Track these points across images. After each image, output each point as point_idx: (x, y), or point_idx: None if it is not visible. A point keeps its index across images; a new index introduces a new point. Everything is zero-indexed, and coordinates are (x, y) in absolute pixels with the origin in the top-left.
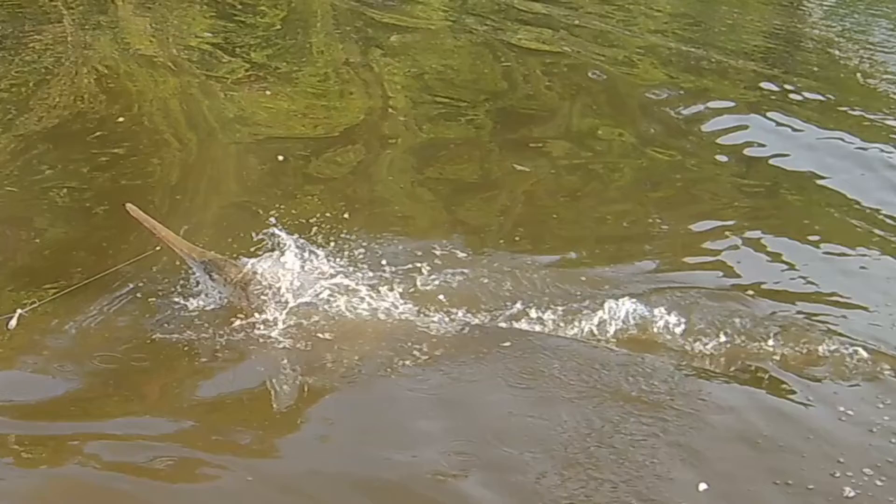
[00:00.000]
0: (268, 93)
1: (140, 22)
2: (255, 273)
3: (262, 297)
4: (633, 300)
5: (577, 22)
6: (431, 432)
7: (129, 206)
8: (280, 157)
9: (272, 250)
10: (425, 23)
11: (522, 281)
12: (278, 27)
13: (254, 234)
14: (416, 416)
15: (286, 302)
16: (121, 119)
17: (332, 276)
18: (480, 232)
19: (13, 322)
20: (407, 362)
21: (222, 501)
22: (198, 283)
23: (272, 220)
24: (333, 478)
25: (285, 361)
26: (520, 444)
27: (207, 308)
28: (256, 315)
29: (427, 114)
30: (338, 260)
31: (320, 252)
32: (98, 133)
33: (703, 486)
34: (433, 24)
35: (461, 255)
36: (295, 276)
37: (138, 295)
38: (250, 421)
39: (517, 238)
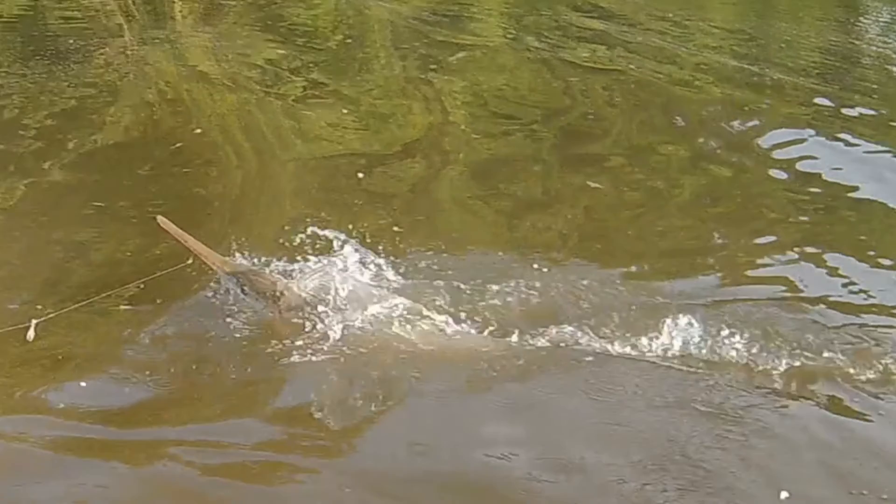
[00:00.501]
0: (327, 109)
1: (198, 38)
2: (287, 289)
3: (298, 312)
4: (701, 313)
5: (634, 39)
6: (512, 439)
7: (159, 218)
8: (360, 175)
9: (328, 264)
10: (484, 41)
11: (589, 295)
12: (337, 47)
13: (312, 248)
14: (495, 423)
15: (353, 314)
16: (182, 136)
17: (398, 290)
18: (544, 247)
19: (31, 333)
20: (479, 374)
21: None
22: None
23: (333, 234)
24: (424, 480)
25: (358, 372)
26: (598, 452)
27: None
28: (321, 327)
29: (487, 130)
30: (401, 274)
31: (385, 267)
32: (160, 148)
33: (784, 495)
34: (491, 41)
35: (525, 269)
36: (357, 289)
37: (208, 302)
38: (334, 427)
39: (581, 253)
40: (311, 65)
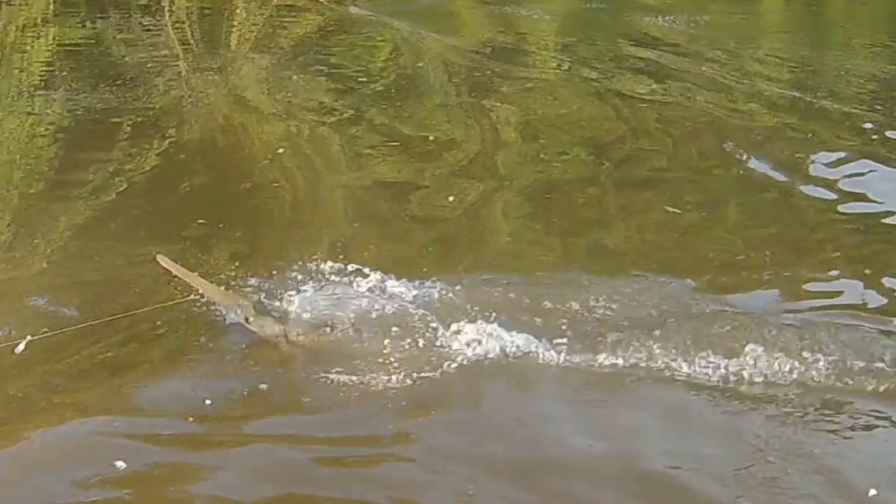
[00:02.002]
0: (378, 136)
1: (251, 68)
2: (288, 333)
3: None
4: (763, 328)
5: (687, 68)
6: (591, 456)
7: (158, 257)
8: (451, 198)
9: (371, 289)
10: (538, 72)
11: (650, 311)
12: (392, 78)
13: (358, 271)
14: (570, 443)
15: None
16: (234, 161)
17: (454, 311)
18: (600, 266)
19: (21, 346)
20: (544, 393)
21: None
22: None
23: (381, 257)
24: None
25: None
26: (687, 460)
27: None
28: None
29: (540, 156)
30: (456, 295)
31: (441, 289)
32: (213, 173)
33: (872, 492)
34: (546, 73)
35: (582, 288)
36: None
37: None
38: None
39: (638, 271)
40: (364, 93)
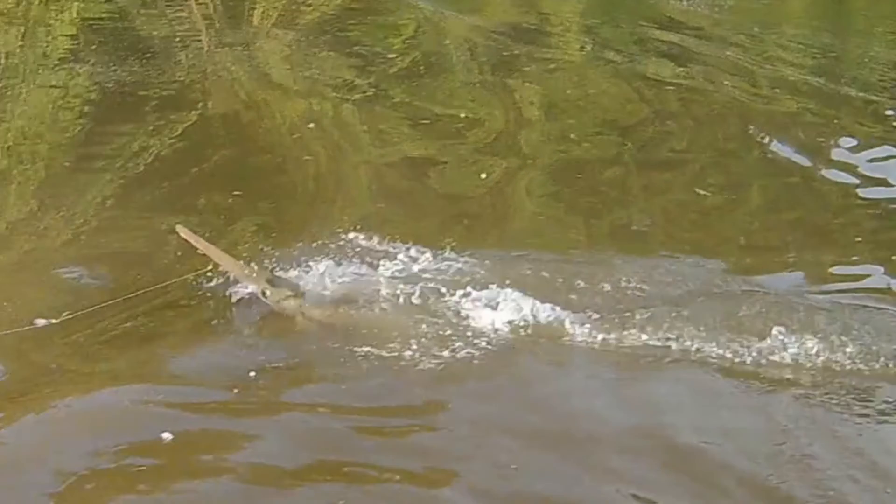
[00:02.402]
0: (401, 113)
1: (274, 44)
2: (303, 307)
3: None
4: (789, 308)
5: (711, 53)
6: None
7: (178, 227)
8: (483, 175)
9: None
10: (562, 53)
11: (676, 290)
12: (415, 56)
13: (382, 246)
14: (605, 423)
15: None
16: (257, 137)
17: (493, 290)
18: (625, 245)
19: (41, 321)
20: (574, 370)
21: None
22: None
23: (405, 232)
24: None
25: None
26: (718, 436)
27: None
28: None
29: (564, 135)
30: (483, 271)
31: (467, 264)
32: (238, 147)
33: None
34: (570, 54)
35: (607, 267)
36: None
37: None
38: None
39: (663, 250)
40: (387, 72)
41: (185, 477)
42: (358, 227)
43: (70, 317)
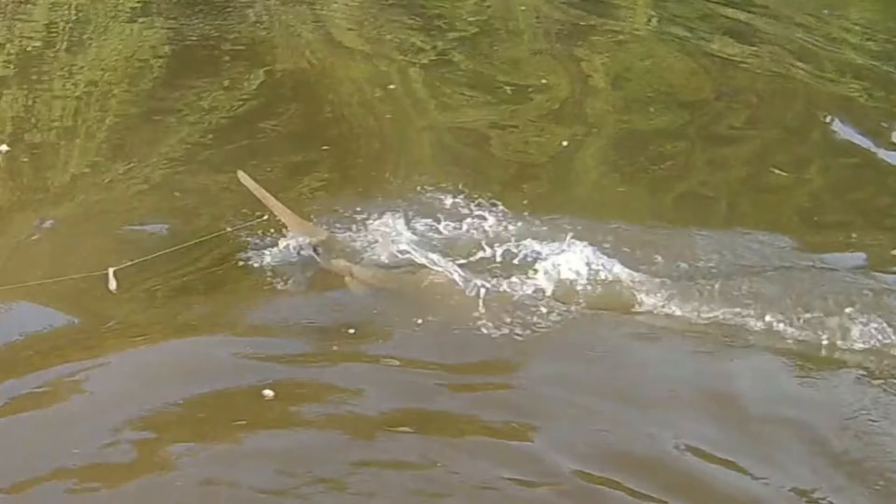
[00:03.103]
0: (466, 79)
1: (339, 4)
2: (353, 268)
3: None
4: (867, 290)
5: (777, 32)
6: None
7: (240, 173)
8: (565, 143)
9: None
10: (629, 27)
11: (746, 265)
12: (481, 24)
13: (451, 212)
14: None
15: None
16: (321, 98)
17: (560, 256)
18: (691, 218)
19: (112, 283)
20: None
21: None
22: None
23: (468, 198)
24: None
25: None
26: (790, 407)
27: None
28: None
29: (629, 106)
30: (552, 239)
31: (531, 231)
32: (303, 106)
33: None
34: (637, 28)
35: (674, 240)
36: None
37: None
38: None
39: (730, 225)
40: (454, 37)
41: (278, 426)
42: (420, 189)
43: (132, 264)
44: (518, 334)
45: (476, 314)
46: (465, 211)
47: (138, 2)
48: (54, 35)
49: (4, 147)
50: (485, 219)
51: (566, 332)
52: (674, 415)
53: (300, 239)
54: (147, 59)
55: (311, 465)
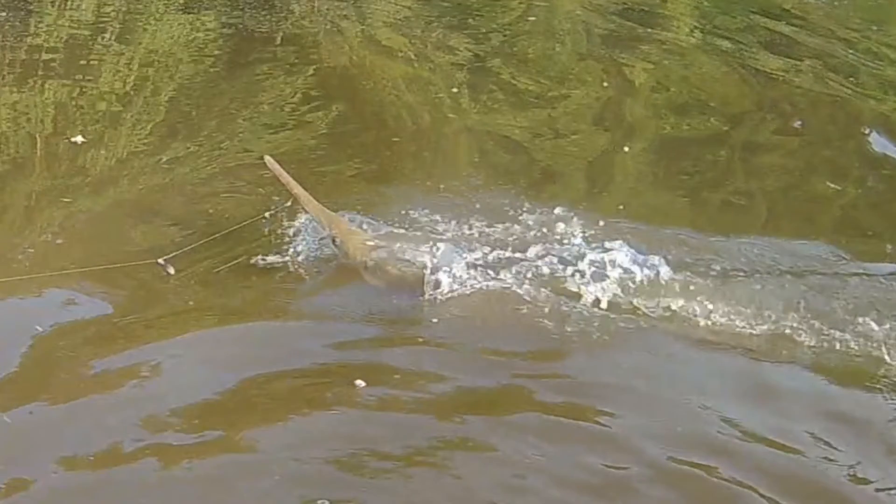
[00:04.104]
0: (505, 83)
1: (381, 3)
2: (367, 262)
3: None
4: None
5: (820, 47)
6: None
7: (266, 157)
8: (626, 148)
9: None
10: (673, 37)
11: (792, 273)
12: (522, 28)
13: (484, 213)
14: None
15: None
16: (359, 95)
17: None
18: (736, 225)
19: (171, 269)
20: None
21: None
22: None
23: (506, 201)
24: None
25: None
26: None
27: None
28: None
29: (670, 112)
30: (589, 242)
31: (574, 234)
32: (342, 104)
33: None
34: (680, 39)
35: (720, 247)
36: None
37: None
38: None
39: (775, 233)
40: (495, 41)
41: (356, 408)
42: (454, 189)
43: (178, 252)
44: (571, 330)
45: (532, 313)
46: (503, 212)
47: None
48: (104, 24)
49: (80, 138)
50: (524, 221)
51: (613, 329)
52: (734, 407)
53: (321, 226)
54: (196, 51)
55: (397, 445)
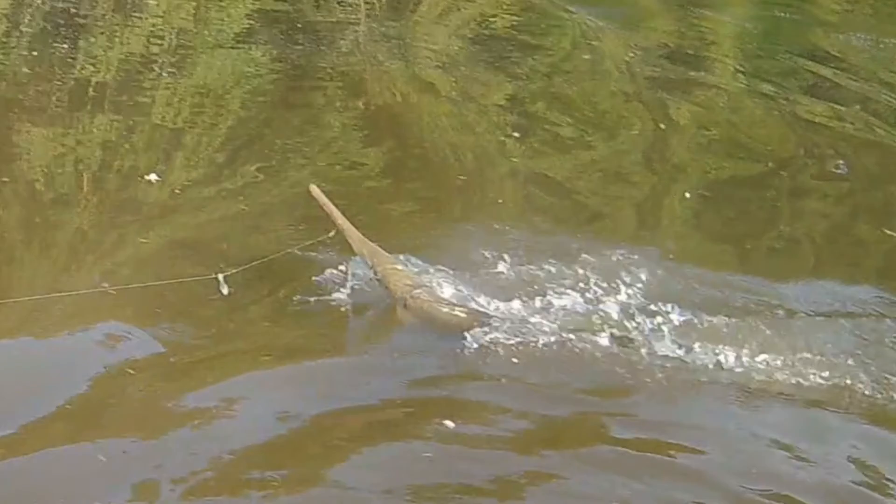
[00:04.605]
0: (550, 125)
1: (430, 39)
2: (415, 297)
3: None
4: None
5: (862, 91)
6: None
7: (312, 187)
8: (686, 195)
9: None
10: (717, 80)
11: (837, 320)
12: (566, 76)
13: (525, 254)
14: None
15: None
16: (403, 134)
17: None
18: (784, 270)
19: (225, 288)
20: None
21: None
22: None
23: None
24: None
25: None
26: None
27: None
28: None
29: (714, 153)
30: (637, 287)
31: (621, 277)
32: (388, 140)
33: None
34: (725, 82)
35: (770, 292)
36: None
37: None
38: None
39: (821, 277)
40: (540, 79)
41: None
42: (500, 230)
43: (235, 271)
44: (630, 372)
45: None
46: (550, 255)
47: (242, 29)
48: (155, 57)
49: (154, 176)
50: (572, 265)
51: (671, 372)
52: (801, 447)
53: (362, 257)
54: (248, 86)
55: (484, 480)
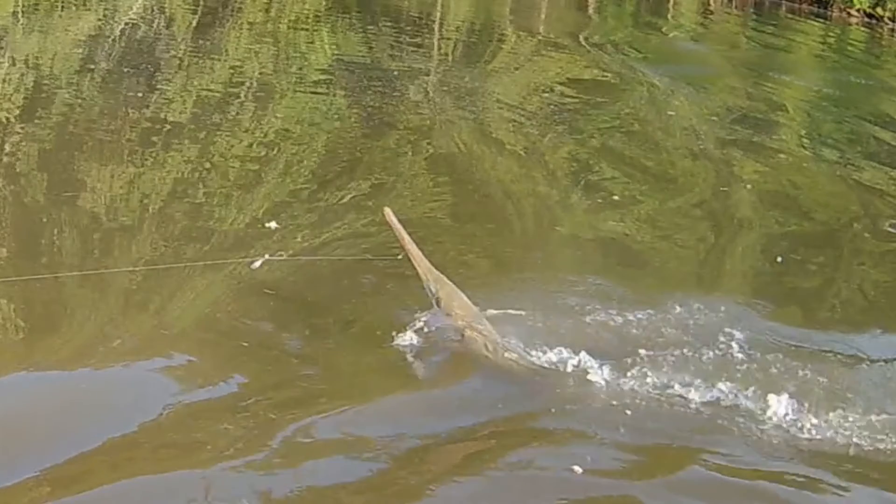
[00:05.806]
0: (612, 181)
1: (494, 95)
2: (473, 328)
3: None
4: None
5: None
6: None
7: (386, 210)
8: (778, 259)
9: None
10: (782, 144)
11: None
12: (633, 131)
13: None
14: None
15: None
16: (466, 189)
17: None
18: (847, 325)
19: (257, 263)
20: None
21: None
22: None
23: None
24: None
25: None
26: None
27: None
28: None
29: (776, 208)
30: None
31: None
32: (451, 196)
33: None
34: (789, 146)
35: (834, 349)
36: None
37: None
38: None
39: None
40: (608, 139)
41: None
42: (557, 279)
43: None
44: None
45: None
46: (607, 308)
47: (321, 75)
48: (234, 99)
49: (274, 224)
50: (633, 319)
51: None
52: None
53: (427, 284)
54: (324, 128)
55: None
